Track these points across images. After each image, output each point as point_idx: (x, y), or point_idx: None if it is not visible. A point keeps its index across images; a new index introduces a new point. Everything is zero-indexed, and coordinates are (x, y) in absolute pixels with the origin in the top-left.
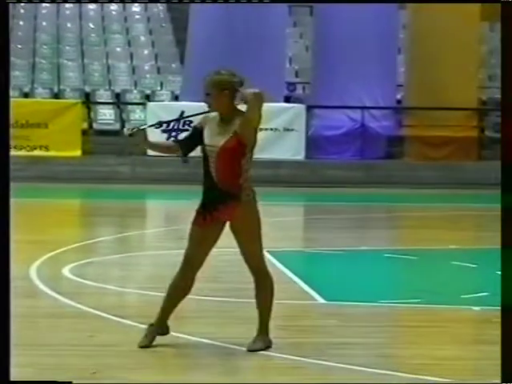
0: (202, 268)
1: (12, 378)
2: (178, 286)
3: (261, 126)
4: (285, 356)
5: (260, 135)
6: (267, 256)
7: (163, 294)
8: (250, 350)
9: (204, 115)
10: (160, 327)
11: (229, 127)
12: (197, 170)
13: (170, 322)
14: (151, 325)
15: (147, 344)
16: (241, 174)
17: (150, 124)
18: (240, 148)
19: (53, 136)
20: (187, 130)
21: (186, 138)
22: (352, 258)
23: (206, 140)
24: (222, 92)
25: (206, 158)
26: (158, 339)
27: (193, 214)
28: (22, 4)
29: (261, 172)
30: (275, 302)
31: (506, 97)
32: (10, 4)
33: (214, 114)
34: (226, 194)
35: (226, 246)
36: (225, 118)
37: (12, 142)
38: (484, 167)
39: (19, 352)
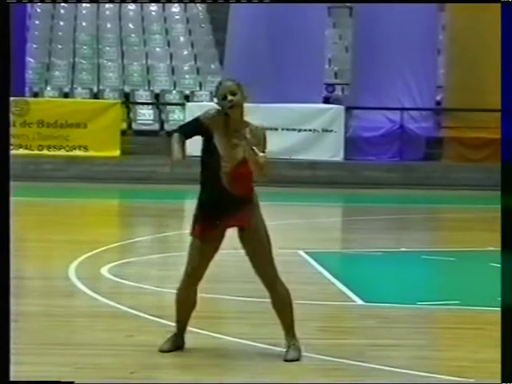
0: (239, 270)
1: (50, 378)
2: (184, 302)
3: (299, 127)
4: (324, 357)
5: (299, 136)
6: (305, 257)
7: (201, 294)
8: (287, 360)
9: (207, 114)
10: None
11: (241, 137)
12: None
13: (207, 322)
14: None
15: (167, 349)
16: (253, 179)
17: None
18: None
19: (92, 136)
20: None
21: (187, 129)
22: (390, 260)
23: (222, 151)
24: (245, 99)
25: (216, 166)
26: (195, 339)
27: None
28: (62, 4)
29: (299, 173)
30: (314, 302)
31: (506, 97)
32: (51, 4)
33: (216, 115)
34: (239, 199)
35: None
36: (235, 128)
37: (51, 142)
38: None
39: (57, 351)
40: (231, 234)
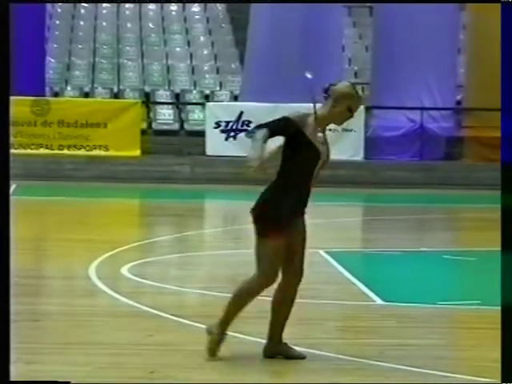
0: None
1: (70, 377)
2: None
3: None
4: (344, 357)
5: None
6: (326, 256)
7: (221, 294)
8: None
9: (296, 113)
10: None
11: (325, 140)
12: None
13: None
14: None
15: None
16: None
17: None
18: None
19: (112, 136)
20: (245, 131)
21: (275, 127)
22: (410, 259)
23: (319, 148)
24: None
25: (314, 163)
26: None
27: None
28: (83, 4)
29: (321, 172)
30: (334, 302)
31: (506, 96)
32: (71, 4)
33: (310, 117)
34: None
35: None
36: (322, 130)
37: (71, 142)
38: None
39: (78, 351)
40: (246, 234)
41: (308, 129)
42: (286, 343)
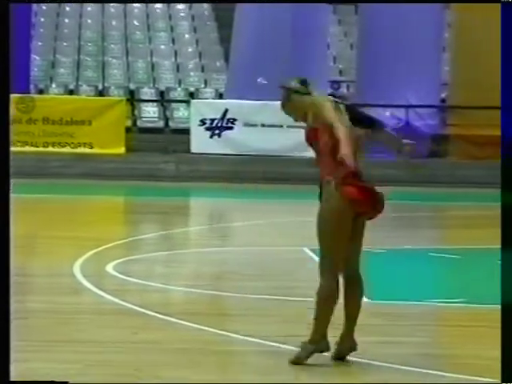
0: (247, 266)
1: (57, 375)
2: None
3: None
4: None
5: (302, 134)
6: (311, 254)
7: (207, 292)
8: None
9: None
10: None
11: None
12: (240, 168)
13: (214, 319)
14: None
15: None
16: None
17: None
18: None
19: (97, 133)
20: (231, 128)
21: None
22: (397, 257)
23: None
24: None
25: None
26: (201, 336)
27: (237, 212)
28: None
29: (304, 170)
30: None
31: (506, 95)
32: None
33: None
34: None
35: (268, 243)
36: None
37: (56, 139)
38: None
39: (63, 349)
40: (231, 232)
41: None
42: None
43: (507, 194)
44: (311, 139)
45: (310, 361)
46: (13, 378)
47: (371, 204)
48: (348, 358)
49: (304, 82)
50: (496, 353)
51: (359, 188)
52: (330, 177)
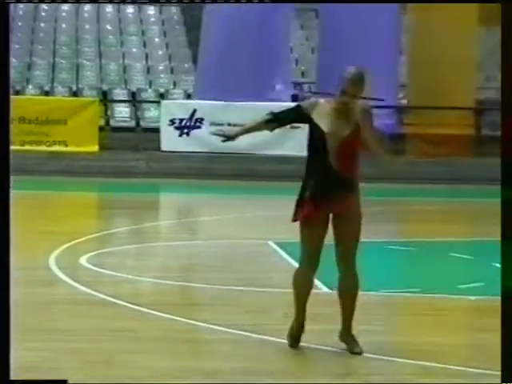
0: (215, 258)
1: (29, 365)
2: (299, 285)
3: None
4: (285, 341)
5: (267, 133)
6: (274, 247)
7: (176, 283)
8: (354, 353)
9: (309, 102)
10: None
11: (351, 117)
12: (208, 165)
13: (184, 309)
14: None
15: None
16: (359, 164)
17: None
18: (360, 139)
19: (71, 132)
20: (198, 127)
21: (284, 114)
22: None
23: (326, 128)
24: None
25: (322, 147)
26: (171, 325)
27: (205, 207)
28: (43, 6)
29: (270, 167)
30: (281, 290)
31: (506, 95)
32: (32, 5)
33: (321, 101)
34: (343, 183)
35: (235, 237)
36: (344, 109)
37: (32, 138)
38: (481, 163)
39: (38, 337)
40: (199, 226)
41: (316, 112)
42: (352, 335)
43: (507, 191)
44: None
45: (269, 347)
46: None
47: (320, 212)
48: (305, 344)
49: None
50: (448, 339)
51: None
52: None
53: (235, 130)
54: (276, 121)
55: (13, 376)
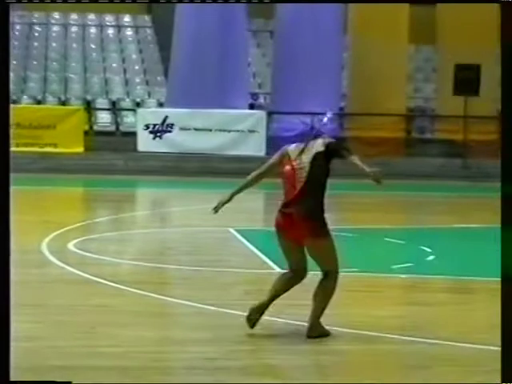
0: (184, 243)
1: (23, 335)
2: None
3: (230, 129)
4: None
5: (229, 136)
6: (235, 233)
7: (151, 265)
8: (309, 336)
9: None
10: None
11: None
12: (178, 164)
13: (159, 286)
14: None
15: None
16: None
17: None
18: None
19: (60, 135)
20: (170, 131)
21: (268, 166)
22: None
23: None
24: None
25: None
26: (147, 301)
27: (176, 200)
28: (36, 27)
29: (230, 166)
30: (241, 270)
31: (506, 96)
32: (26, 26)
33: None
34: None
35: (201, 225)
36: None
37: (27, 141)
38: (410, 162)
39: (32, 311)
40: (169, 216)
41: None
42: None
43: (506, 186)
44: None
45: (229, 319)
46: None
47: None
48: (264, 318)
49: None
50: (383, 311)
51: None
52: None
53: (229, 194)
54: (263, 174)
55: (13, 376)
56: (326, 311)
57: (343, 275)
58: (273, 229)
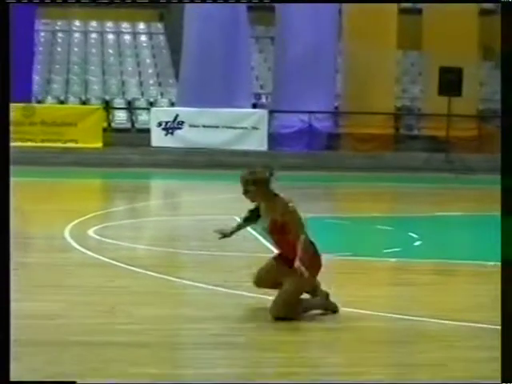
0: (193, 230)
1: (46, 313)
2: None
3: (235, 126)
4: (253, 295)
5: (235, 132)
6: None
7: (164, 249)
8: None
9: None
10: None
11: (269, 213)
12: (188, 158)
13: (172, 269)
14: None
15: None
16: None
17: (232, 231)
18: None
19: (81, 132)
20: (180, 128)
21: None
22: None
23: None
24: (258, 188)
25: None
26: (160, 282)
27: (186, 191)
28: (59, 34)
29: (235, 159)
30: (247, 255)
31: (506, 94)
32: (50, 33)
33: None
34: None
35: (209, 213)
36: (266, 204)
37: (50, 137)
38: (398, 156)
39: (55, 291)
40: (180, 205)
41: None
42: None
43: (506, 179)
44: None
45: (235, 299)
46: None
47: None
48: (263, 296)
49: (271, 173)
50: (374, 291)
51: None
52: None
53: (229, 230)
54: (253, 217)
55: (13, 377)
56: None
57: (338, 259)
58: None
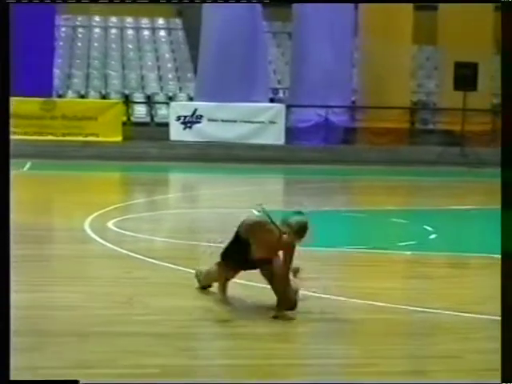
0: (211, 222)
1: (65, 304)
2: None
3: (253, 120)
4: (256, 284)
5: (252, 126)
6: (256, 214)
7: (182, 242)
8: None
9: None
10: None
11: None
12: (206, 152)
13: (189, 261)
14: None
15: None
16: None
17: None
18: None
19: (101, 126)
20: (199, 122)
21: None
22: (319, 215)
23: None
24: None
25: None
26: (178, 274)
27: (203, 184)
28: (80, 29)
29: (252, 153)
30: None
31: (505, 88)
32: (71, 29)
33: None
34: None
35: (226, 206)
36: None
37: (71, 131)
38: (414, 150)
39: (75, 282)
40: (198, 198)
41: None
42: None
43: (506, 172)
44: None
45: (243, 290)
46: (28, 303)
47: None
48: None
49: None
50: (390, 284)
51: None
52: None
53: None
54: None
55: (37, 365)
56: (339, 283)
57: (355, 251)
58: (289, 209)
